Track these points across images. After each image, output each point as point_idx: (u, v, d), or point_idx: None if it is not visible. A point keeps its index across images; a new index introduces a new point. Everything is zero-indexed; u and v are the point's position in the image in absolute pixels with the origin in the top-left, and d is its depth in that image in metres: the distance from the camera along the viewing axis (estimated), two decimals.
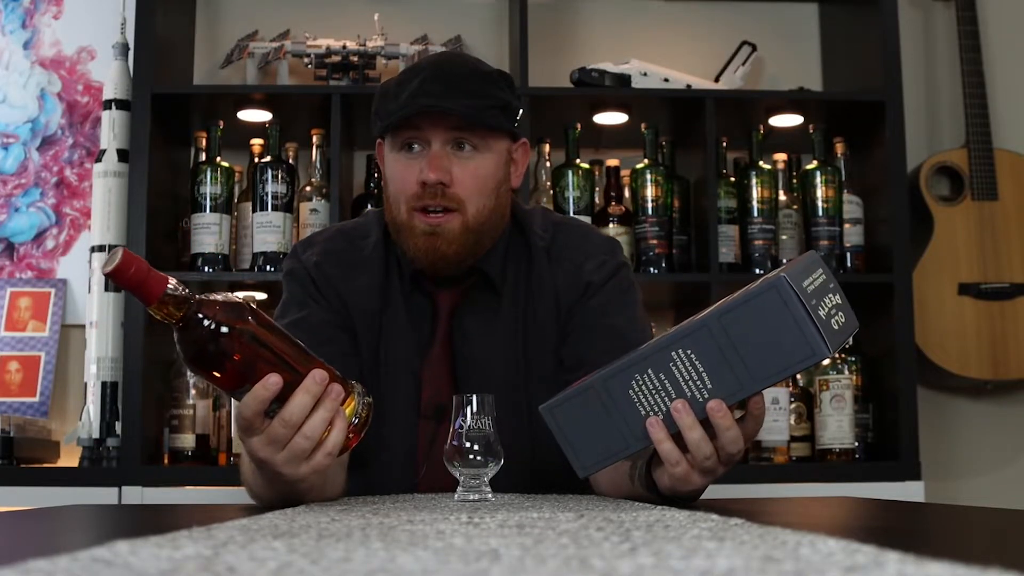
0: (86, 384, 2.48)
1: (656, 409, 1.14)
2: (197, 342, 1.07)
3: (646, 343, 1.17)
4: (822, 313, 1.09)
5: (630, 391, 1.14)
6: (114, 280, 1.04)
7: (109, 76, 2.62)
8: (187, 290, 1.08)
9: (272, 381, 1.08)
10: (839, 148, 2.70)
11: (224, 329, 1.07)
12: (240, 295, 1.15)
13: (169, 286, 1.06)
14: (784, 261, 2.59)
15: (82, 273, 2.68)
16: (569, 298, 1.54)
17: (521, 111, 1.56)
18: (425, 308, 1.55)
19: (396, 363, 1.52)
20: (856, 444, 2.50)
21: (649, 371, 1.13)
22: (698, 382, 1.13)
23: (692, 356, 1.12)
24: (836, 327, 1.11)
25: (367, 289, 1.53)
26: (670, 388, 1.13)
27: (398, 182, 1.48)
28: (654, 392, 1.14)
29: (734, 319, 1.10)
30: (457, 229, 1.46)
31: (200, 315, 1.07)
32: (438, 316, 1.54)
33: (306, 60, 2.67)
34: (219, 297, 1.10)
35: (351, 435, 1.16)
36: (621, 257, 1.59)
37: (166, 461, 2.48)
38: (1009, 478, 2.85)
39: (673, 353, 1.12)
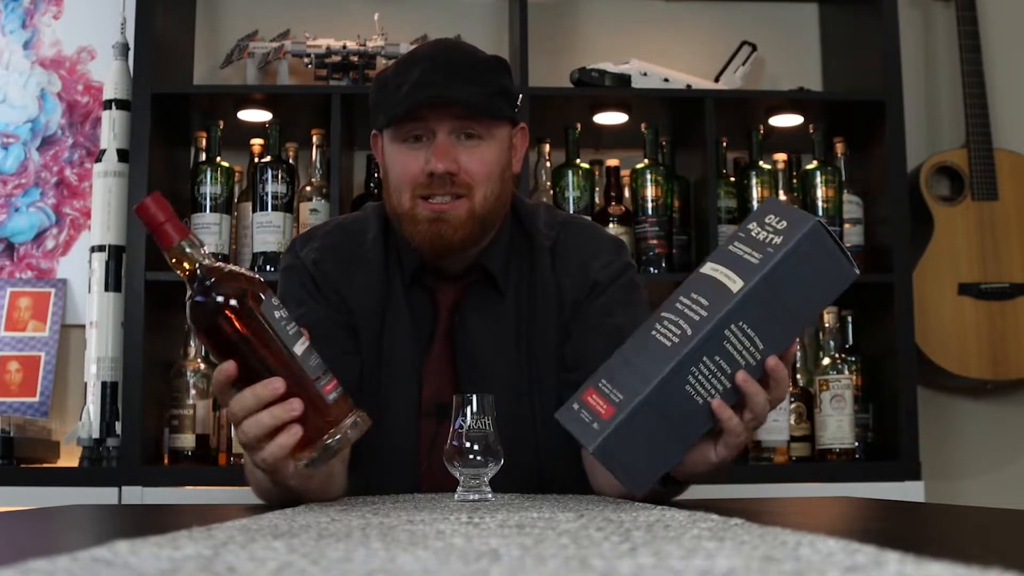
0: (86, 384, 2.48)
1: (716, 391, 1.13)
2: (190, 303, 1.10)
3: (678, 333, 1.13)
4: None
5: (687, 387, 1.12)
6: (138, 215, 1.12)
7: (109, 76, 2.62)
8: (203, 252, 1.11)
9: (225, 370, 1.10)
10: (839, 148, 2.70)
11: (218, 299, 1.08)
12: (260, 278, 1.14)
13: (183, 242, 1.10)
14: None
15: (82, 273, 2.68)
16: (574, 297, 1.53)
17: (520, 96, 1.55)
18: (426, 304, 1.54)
19: (397, 360, 1.51)
20: (856, 444, 2.49)
21: (704, 359, 1.11)
22: (751, 348, 1.13)
23: (745, 327, 1.11)
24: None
25: (367, 286, 1.52)
26: (726, 366, 1.12)
27: (401, 172, 1.47)
28: (712, 376, 1.12)
29: (782, 276, 1.10)
30: (464, 215, 1.46)
31: (202, 278, 1.10)
32: (439, 312, 1.54)
33: (306, 60, 2.67)
34: (229, 270, 1.11)
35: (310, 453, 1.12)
36: (627, 257, 1.59)
37: (166, 461, 2.47)
38: (1009, 478, 2.85)
39: (727, 331, 1.11)
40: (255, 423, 1.11)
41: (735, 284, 1.11)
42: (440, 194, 1.45)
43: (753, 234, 1.14)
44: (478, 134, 1.46)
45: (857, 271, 1.15)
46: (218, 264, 1.11)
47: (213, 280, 1.09)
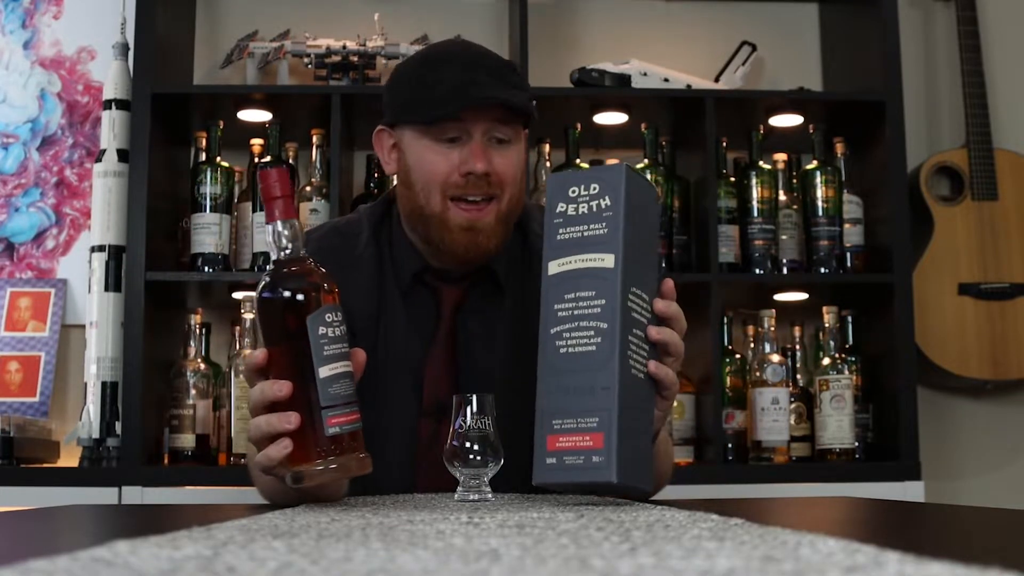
0: (86, 384, 2.48)
1: (645, 356, 1.13)
2: (260, 283, 1.12)
3: (591, 335, 1.11)
4: None
5: (632, 372, 1.10)
6: (259, 177, 1.15)
7: (109, 76, 2.62)
8: (297, 241, 1.13)
9: (255, 356, 1.12)
10: (839, 148, 2.70)
11: (281, 291, 1.10)
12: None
13: (280, 226, 1.12)
14: (784, 261, 2.59)
15: (82, 273, 2.68)
16: None
17: (534, 102, 1.56)
18: (429, 304, 1.54)
19: (396, 361, 1.51)
20: (856, 444, 2.50)
21: (629, 339, 1.10)
22: (645, 303, 1.14)
23: (635, 290, 1.12)
24: None
25: (363, 288, 1.52)
26: (640, 332, 1.13)
27: (432, 171, 1.45)
28: (638, 348, 1.12)
29: (632, 228, 1.11)
30: (493, 221, 1.46)
31: (281, 263, 1.12)
32: (441, 313, 1.54)
33: (306, 60, 2.67)
34: (307, 268, 1.12)
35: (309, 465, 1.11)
36: None
37: (166, 461, 2.48)
38: (1009, 478, 2.85)
39: (627, 304, 1.10)
40: (256, 424, 1.11)
41: (606, 260, 1.10)
42: (473, 195, 1.45)
43: (571, 213, 1.13)
44: (507, 138, 1.47)
45: (655, 187, 1.21)
46: (303, 257, 1.13)
47: (286, 270, 1.11)
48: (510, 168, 1.47)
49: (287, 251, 1.12)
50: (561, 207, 1.13)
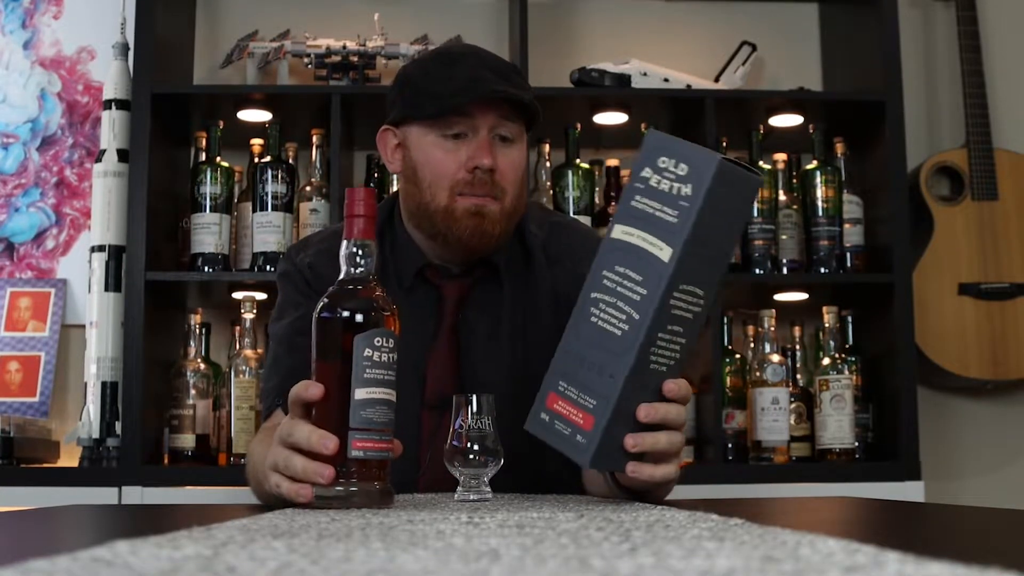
0: (86, 384, 2.48)
1: (674, 356, 1.10)
2: (326, 298, 1.11)
3: (623, 319, 1.09)
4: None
5: (651, 366, 1.09)
6: (346, 194, 1.14)
7: (109, 76, 2.62)
8: (368, 262, 1.13)
9: (311, 391, 1.09)
10: (839, 148, 2.70)
11: (344, 314, 1.09)
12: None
13: (354, 245, 1.12)
14: (784, 261, 2.59)
15: (82, 273, 2.68)
16: (567, 297, 1.54)
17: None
18: (431, 300, 1.56)
19: (400, 356, 1.51)
20: (856, 444, 2.49)
21: (659, 335, 1.08)
22: (693, 299, 1.10)
23: (684, 286, 1.08)
24: None
25: None
26: (677, 327, 1.09)
27: (439, 167, 1.47)
28: (668, 345, 1.10)
29: (704, 225, 1.06)
30: (498, 212, 1.48)
31: (346, 284, 1.12)
32: (443, 308, 1.55)
33: (306, 60, 2.67)
34: (368, 288, 1.11)
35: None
36: None
37: (166, 461, 2.48)
38: (1009, 478, 2.85)
39: (671, 301, 1.07)
40: (291, 465, 1.09)
41: (663, 252, 1.07)
42: (479, 192, 1.47)
43: (653, 184, 1.09)
44: (511, 136, 1.49)
45: (760, 177, 1.13)
46: (369, 278, 1.12)
47: (349, 288, 1.11)
48: (513, 167, 1.49)
49: (356, 271, 1.12)
50: (646, 172, 1.09)
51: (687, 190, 1.07)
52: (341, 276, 1.13)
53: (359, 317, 1.09)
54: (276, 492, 1.12)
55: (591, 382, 1.10)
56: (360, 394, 1.07)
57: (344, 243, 1.13)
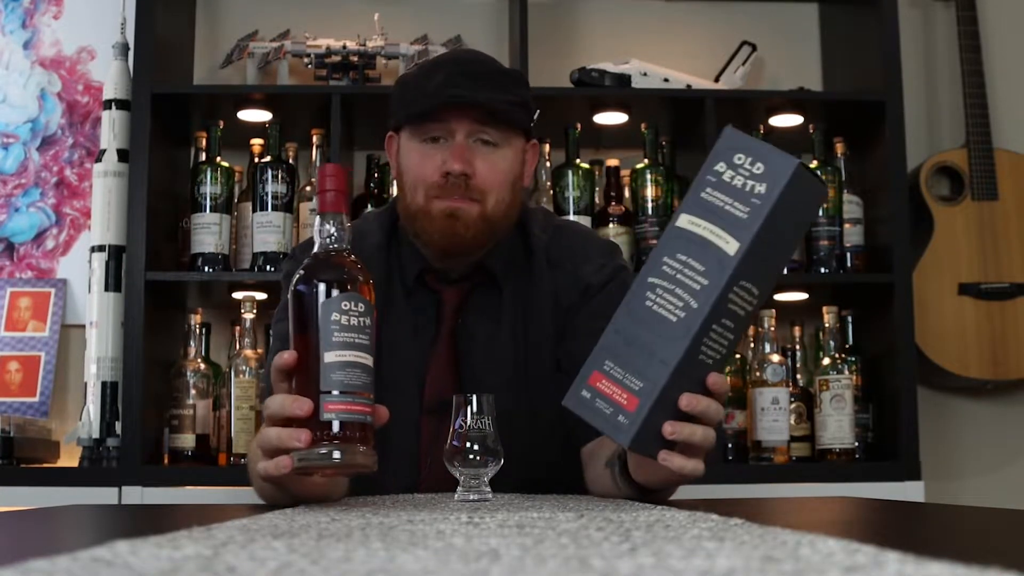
0: (86, 384, 2.48)
1: (722, 350, 1.10)
2: (301, 270, 1.10)
3: (681, 306, 1.09)
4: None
5: (700, 356, 1.09)
6: (318, 171, 1.14)
7: (109, 76, 2.62)
8: (340, 235, 1.12)
9: (284, 356, 1.08)
10: (839, 148, 2.70)
11: (317, 284, 1.08)
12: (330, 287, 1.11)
13: (326, 219, 1.11)
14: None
15: (82, 273, 2.68)
16: (567, 300, 1.55)
17: (537, 111, 1.59)
18: (430, 305, 1.56)
19: (399, 359, 1.52)
20: (856, 444, 2.49)
21: (713, 326, 1.08)
22: (749, 297, 1.10)
23: (744, 283, 1.08)
24: None
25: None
26: (729, 322, 1.09)
27: (417, 171, 1.50)
28: (719, 338, 1.09)
29: (772, 226, 1.07)
30: (475, 215, 1.48)
31: (318, 256, 1.11)
32: (442, 313, 1.56)
33: (306, 60, 2.67)
34: (340, 258, 1.10)
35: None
36: (620, 260, 1.61)
37: (166, 461, 2.48)
38: (1009, 478, 2.85)
39: (730, 295, 1.08)
40: (267, 437, 1.08)
41: (729, 246, 1.07)
42: (453, 196, 1.48)
43: (726, 179, 1.09)
44: (494, 141, 1.49)
45: (827, 187, 1.16)
46: (342, 250, 1.12)
47: (321, 259, 1.11)
48: (494, 172, 1.49)
49: (327, 243, 1.12)
50: (720, 167, 1.10)
51: (761, 188, 1.07)
52: (315, 250, 1.12)
53: (329, 285, 1.08)
54: (265, 475, 1.11)
55: (639, 364, 1.09)
56: (329, 357, 1.05)
57: (317, 218, 1.13)
